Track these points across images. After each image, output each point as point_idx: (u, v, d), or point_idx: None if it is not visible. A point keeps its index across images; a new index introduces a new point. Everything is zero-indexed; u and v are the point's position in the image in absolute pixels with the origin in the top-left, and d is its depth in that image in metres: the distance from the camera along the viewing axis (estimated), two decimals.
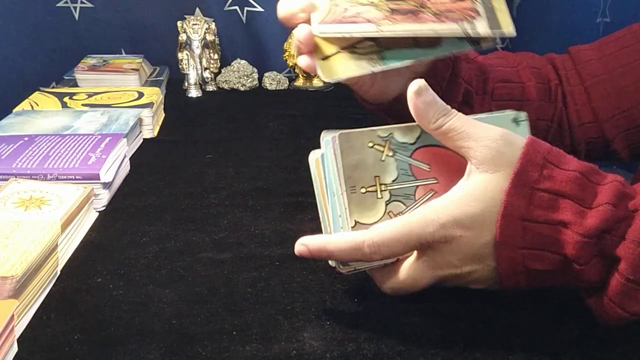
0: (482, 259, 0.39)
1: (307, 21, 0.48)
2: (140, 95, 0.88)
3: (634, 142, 0.59)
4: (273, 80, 1.08)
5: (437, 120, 0.40)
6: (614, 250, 0.37)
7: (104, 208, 0.61)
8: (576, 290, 0.41)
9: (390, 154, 0.41)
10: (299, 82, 1.08)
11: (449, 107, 0.40)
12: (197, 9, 1.10)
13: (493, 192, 0.38)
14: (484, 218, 0.38)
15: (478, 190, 0.38)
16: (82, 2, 1.08)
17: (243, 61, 1.08)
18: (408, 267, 0.41)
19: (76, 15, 1.09)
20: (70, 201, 0.54)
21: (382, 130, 0.42)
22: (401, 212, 0.42)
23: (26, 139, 0.67)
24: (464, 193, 0.39)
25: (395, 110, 0.54)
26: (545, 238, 0.37)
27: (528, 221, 0.37)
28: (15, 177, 0.59)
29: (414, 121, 0.41)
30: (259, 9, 1.11)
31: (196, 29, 1.01)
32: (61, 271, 0.50)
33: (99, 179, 0.60)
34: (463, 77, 0.56)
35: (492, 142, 0.38)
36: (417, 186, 0.42)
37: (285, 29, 1.09)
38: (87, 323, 0.43)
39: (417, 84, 0.40)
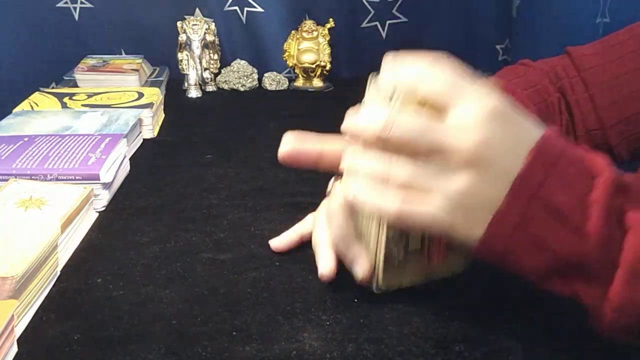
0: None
1: None
2: (140, 95, 0.88)
3: (636, 146, 0.59)
4: (273, 81, 1.08)
5: None
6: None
7: (104, 208, 0.61)
8: None
9: None
10: (299, 82, 1.08)
11: None
12: (197, 9, 1.10)
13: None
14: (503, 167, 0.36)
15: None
16: (82, 2, 1.08)
17: (243, 61, 1.08)
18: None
19: (76, 15, 1.09)
20: (70, 201, 0.54)
21: None
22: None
23: (26, 139, 0.67)
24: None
25: None
26: (540, 238, 0.37)
27: (522, 224, 0.37)
28: (15, 177, 0.59)
29: None
30: (259, 9, 1.11)
31: (196, 30, 1.01)
32: (61, 271, 0.50)
33: (99, 179, 0.60)
34: None
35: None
36: None
37: (286, 29, 1.10)
38: (87, 323, 0.43)
39: None
